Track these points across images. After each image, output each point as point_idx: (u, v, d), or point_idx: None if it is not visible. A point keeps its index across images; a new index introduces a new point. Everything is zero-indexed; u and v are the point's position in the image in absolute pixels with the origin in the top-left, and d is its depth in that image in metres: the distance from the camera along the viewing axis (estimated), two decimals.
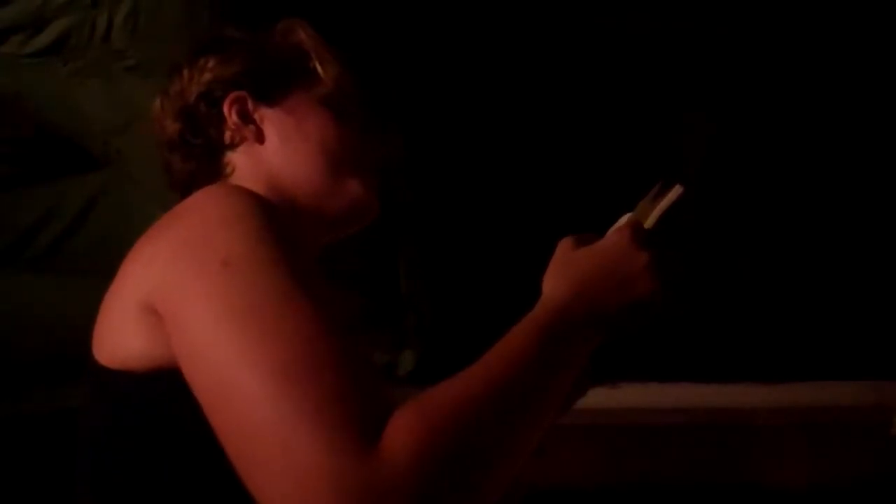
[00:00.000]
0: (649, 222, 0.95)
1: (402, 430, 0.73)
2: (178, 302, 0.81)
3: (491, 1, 2.33)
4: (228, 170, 1.10)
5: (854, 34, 2.28)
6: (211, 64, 1.11)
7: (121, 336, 0.87)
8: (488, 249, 2.27)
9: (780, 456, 2.21)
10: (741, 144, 2.33)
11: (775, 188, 2.33)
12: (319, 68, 1.13)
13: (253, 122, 1.10)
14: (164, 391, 0.82)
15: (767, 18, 2.31)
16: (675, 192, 0.95)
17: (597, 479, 2.15)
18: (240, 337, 0.77)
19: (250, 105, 1.10)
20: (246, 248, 0.82)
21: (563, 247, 0.94)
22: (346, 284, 1.98)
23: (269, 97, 1.11)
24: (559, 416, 1.01)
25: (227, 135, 1.10)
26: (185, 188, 1.11)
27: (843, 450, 2.19)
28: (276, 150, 1.09)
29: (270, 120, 1.10)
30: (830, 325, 2.26)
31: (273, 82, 1.11)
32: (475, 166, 2.31)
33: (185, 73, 1.12)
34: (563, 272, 0.91)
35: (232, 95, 1.10)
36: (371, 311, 2.10)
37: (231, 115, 1.10)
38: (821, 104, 2.31)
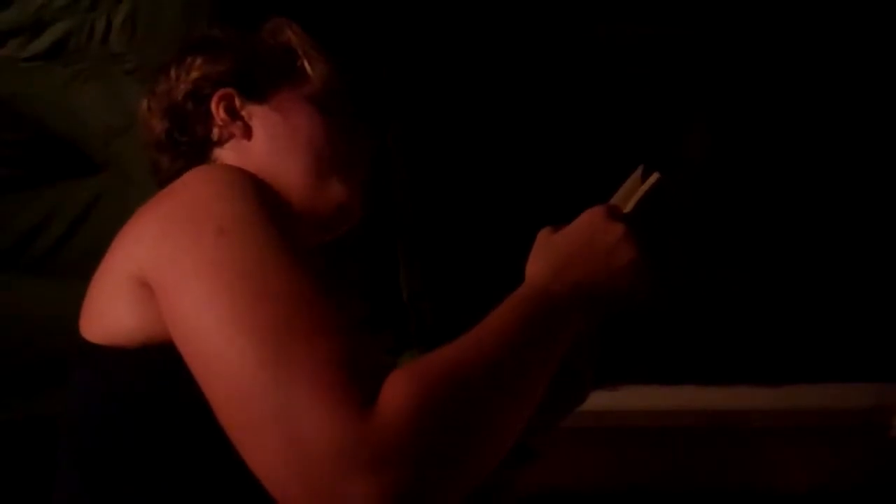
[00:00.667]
0: (627, 208, 0.97)
1: (398, 392, 0.74)
2: (173, 273, 0.81)
3: (491, 4, 2.33)
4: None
5: (852, 40, 2.28)
6: (198, 62, 1.12)
7: (112, 312, 0.87)
8: (489, 251, 2.27)
9: (779, 458, 2.20)
10: (741, 147, 2.33)
11: (773, 191, 2.33)
12: (307, 66, 1.14)
13: (240, 118, 1.11)
14: (157, 365, 0.82)
15: (766, 24, 2.31)
16: (653, 179, 0.97)
17: (597, 481, 2.15)
18: (234, 303, 0.77)
19: (238, 102, 1.11)
20: (240, 217, 0.82)
21: (541, 235, 0.96)
22: (346, 287, 1.98)
23: (256, 94, 1.11)
24: (560, 420, 1.01)
25: (215, 131, 1.11)
26: None
27: (842, 452, 2.19)
28: (263, 146, 1.10)
29: (258, 116, 1.11)
30: (830, 328, 2.26)
31: (261, 80, 1.12)
32: (476, 169, 2.31)
33: (173, 72, 1.13)
34: (543, 255, 0.93)
35: (220, 92, 1.11)
36: (371, 313, 2.10)
37: (219, 112, 1.10)
38: (819, 106, 2.31)
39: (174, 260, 0.82)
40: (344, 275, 1.89)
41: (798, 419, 2.20)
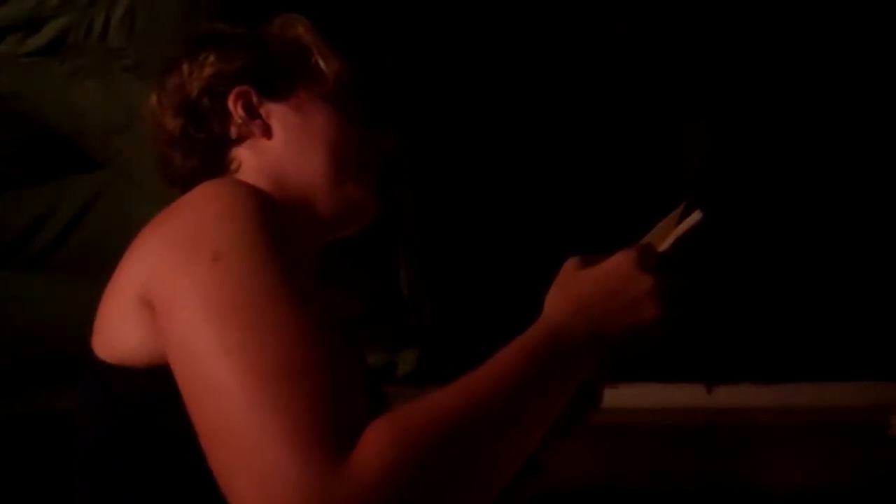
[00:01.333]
0: (664, 246, 0.93)
1: (374, 444, 0.72)
2: (168, 294, 0.81)
3: (491, 5, 2.32)
4: (234, 165, 1.09)
5: (852, 40, 2.28)
6: (211, 59, 1.10)
7: (119, 331, 0.86)
8: (489, 249, 2.26)
9: (778, 456, 2.20)
10: (740, 146, 2.33)
11: (773, 191, 2.33)
12: (322, 64, 1.12)
13: (259, 116, 1.09)
14: (163, 387, 0.81)
15: (765, 22, 2.31)
16: (695, 217, 0.92)
17: (595, 479, 2.15)
18: (222, 333, 0.76)
19: (255, 99, 1.09)
20: (238, 243, 0.81)
21: (568, 267, 0.92)
22: (347, 284, 1.97)
23: (274, 92, 1.09)
24: (570, 434, 1.00)
25: (234, 129, 1.09)
26: (185, 184, 1.09)
27: (841, 450, 2.19)
28: (282, 146, 1.08)
29: (276, 115, 1.09)
30: (829, 326, 2.26)
31: (277, 77, 1.10)
32: (476, 167, 2.30)
33: (185, 67, 1.11)
34: (566, 292, 0.89)
35: (237, 90, 1.09)
36: (371, 310, 2.09)
37: (237, 110, 1.08)
38: (817, 105, 2.31)
39: (170, 282, 0.81)
40: (344, 272, 1.89)
41: (797, 417, 2.20)
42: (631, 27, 2.34)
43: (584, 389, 0.90)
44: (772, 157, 2.33)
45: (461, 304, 2.21)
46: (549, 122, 2.33)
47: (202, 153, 1.10)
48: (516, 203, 2.29)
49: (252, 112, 1.09)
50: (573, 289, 0.89)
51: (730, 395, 2.20)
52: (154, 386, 0.83)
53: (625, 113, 2.33)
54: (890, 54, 2.25)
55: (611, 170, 2.27)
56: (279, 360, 0.75)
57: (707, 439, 2.19)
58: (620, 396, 2.12)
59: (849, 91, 2.30)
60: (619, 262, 0.89)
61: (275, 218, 0.85)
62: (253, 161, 1.08)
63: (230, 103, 1.08)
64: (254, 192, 0.87)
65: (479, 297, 2.21)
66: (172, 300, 0.80)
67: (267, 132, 1.08)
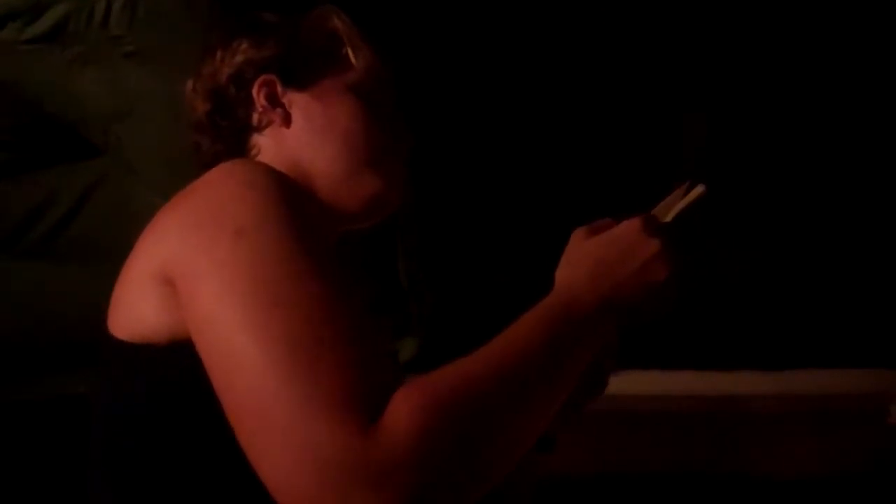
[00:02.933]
0: (668, 217, 0.95)
1: (404, 408, 0.74)
2: (191, 272, 0.82)
3: None
4: (254, 151, 1.11)
5: (853, 33, 2.27)
6: (244, 46, 1.12)
7: (139, 309, 0.87)
8: (489, 237, 2.27)
9: (777, 444, 2.21)
10: (741, 132, 2.33)
11: (773, 177, 2.33)
12: (351, 55, 1.13)
13: (281, 105, 1.10)
14: (185, 362, 0.82)
15: (766, 9, 2.31)
16: (697, 191, 0.95)
17: (595, 465, 2.15)
18: (248, 308, 0.77)
19: (279, 89, 1.10)
20: (259, 218, 0.82)
21: (576, 237, 0.94)
22: (349, 272, 1.97)
23: (298, 82, 1.11)
24: (580, 410, 1.01)
25: (255, 117, 1.11)
26: (209, 168, 1.11)
27: (840, 438, 2.19)
28: (301, 135, 1.10)
29: (298, 104, 1.10)
30: (829, 313, 2.26)
31: (304, 67, 1.11)
32: (475, 155, 2.30)
33: (219, 54, 1.13)
34: (576, 261, 0.91)
35: (261, 78, 1.10)
36: (371, 299, 2.10)
37: (259, 98, 1.10)
38: (817, 92, 2.31)
39: (193, 259, 0.82)
40: (345, 260, 1.89)
41: (797, 405, 2.21)
42: (632, 20, 2.34)
43: (593, 366, 0.92)
44: (772, 142, 2.33)
45: (461, 293, 2.21)
46: (549, 112, 2.33)
47: (226, 139, 1.12)
48: (516, 191, 2.29)
49: (274, 101, 1.10)
50: (583, 258, 0.91)
51: (729, 383, 2.21)
52: (177, 362, 0.84)
53: (625, 101, 2.33)
54: (887, 44, 2.25)
55: (610, 159, 2.27)
56: (307, 333, 0.76)
57: (706, 426, 2.20)
58: (621, 383, 2.13)
59: (848, 77, 2.30)
60: (627, 228, 0.91)
61: (293, 195, 0.86)
62: (272, 148, 1.09)
63: (254, 91, 1.10)
64: (272, 171, 0.89)
65: (478, 285, 2.22)
66: (196, 277, 0.81)
67: (287, 121, 1.10)
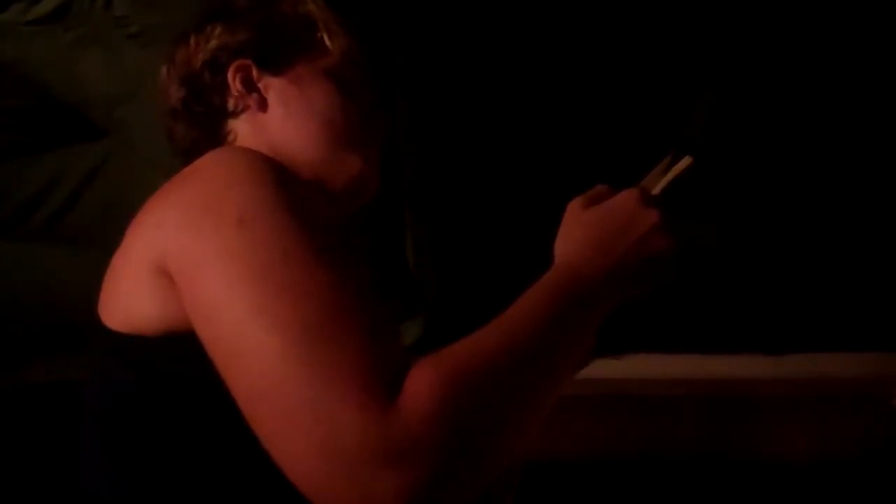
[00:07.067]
0: (656, 190, 0.95)
1: (422, 385, 0.74)
2: (193, 263, 0.81)
3: None
4: (230, 137, 1.11)
5: (860, 12, 2.26)
6: (217, 31, 1.11)
7: (133, 300, 0.87)
8: (494, 220, 2.26)
9: (781, 427, 2.21)
10: (749, 113, 2.32)
11: (777, 161, 2.32)
12: (327, 39, 1.13)
13: (256, 90, 1.10)
14: (179, 354, 0.82)
15: None
16: (684, 162, 0.95)
17: (599, 450, 2.16)
18: (258, 295, 0.77)
19: (255, 73, 1.10)
20: (260, 205, 0.82)
21: (572, 209, 0.94)
22: (354, 255, 1.97)
23: (273, 66, 1.11)
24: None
25: (230, 102, 1.10)
26: (187, 154, 1.11)
27: (844, 421, 2.19)
28: (278, 119, 1.09)
29: (274, 89, 1.10)
30: (833, 297, 2.26)
31: (279, 51, 1.11)
32: (480, 136, 2.30)
33: (192, 40, 1.12)
34: (574, 235, 0.92)
35: (236, 63, 1.10)
36: (377, 281, 2.10)
37: (235, 83, 1.10)
38: (826, 76, 2.30)
39: (195, 249, 0.81)
40: (349, 243, 1.89)
41: (801, 388, 2.21)
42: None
43: None
44: (780, 124, 2.32)
45: (466, 275, 2.21)
46: (557, 92, 2.32)
47: (202, 125, 1.11)
48: (521, 171, 2.28)
49: (250, 85, 1.10)
50: (582, 231, 0.91)
51: (733, 366, 2.21)
52: (171, 353, 0.84)
53: (633, 80, 2.32)
54: (887, 30, 2.24)
55: (617, 140, 2.26)
56: (317, 314, 0.76)
57: (710, 410, 2.20)
58: (624, 367, 2.14)
59: (855, 62, 2.29)
60: (624, 199, 0.92)
61: (287, 180, 0.86)
62: (249, 134, 1.09)
63: (229, 76, 1.10)
64: (263, 156, 0.88)
65: (483, 267, 2.22)
66: (200, 267, 0.81)
67: (263, 105, 1.10)
